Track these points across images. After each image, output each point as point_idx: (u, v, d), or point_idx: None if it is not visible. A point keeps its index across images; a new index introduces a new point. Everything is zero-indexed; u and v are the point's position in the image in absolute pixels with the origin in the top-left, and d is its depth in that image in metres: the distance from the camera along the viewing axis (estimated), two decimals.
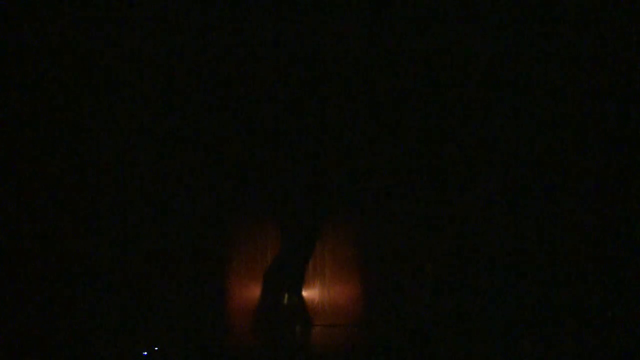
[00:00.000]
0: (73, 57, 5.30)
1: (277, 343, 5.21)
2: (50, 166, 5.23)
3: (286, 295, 5.57)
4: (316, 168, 5.68)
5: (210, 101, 5.57)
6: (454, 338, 5.03)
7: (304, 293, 5.67)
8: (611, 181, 5.09)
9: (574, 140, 5.24)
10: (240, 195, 5.66)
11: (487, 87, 5.39)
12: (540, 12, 5.26)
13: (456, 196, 5.44)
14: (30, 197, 5.14)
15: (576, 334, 4.87)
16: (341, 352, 4.88)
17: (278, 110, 5.62)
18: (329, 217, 5.67)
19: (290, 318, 5.53)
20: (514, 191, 5.32)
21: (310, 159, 5.67)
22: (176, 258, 5.47)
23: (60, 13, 5.24)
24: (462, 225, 5.42)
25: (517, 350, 4.62)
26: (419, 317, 5.39)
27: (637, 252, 4.93)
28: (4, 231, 5.06)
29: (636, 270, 4.92)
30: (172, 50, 5.44)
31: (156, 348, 4.78)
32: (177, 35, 5.44)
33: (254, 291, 5.60)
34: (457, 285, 5.36)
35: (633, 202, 5.04)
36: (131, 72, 5.42)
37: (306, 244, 5.59)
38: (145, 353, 4.67)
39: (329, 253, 5.71)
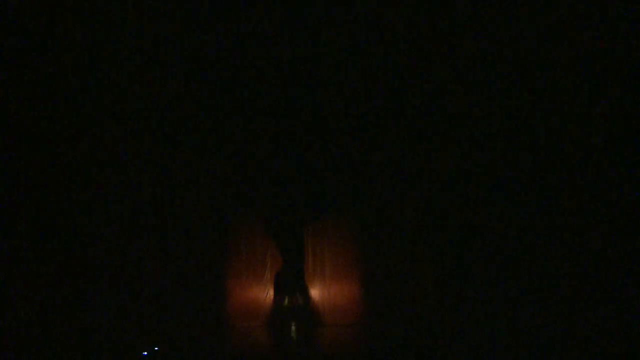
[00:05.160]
0: (74, 57, 5.32)
1: (278, 342, 5.23)
2: (51, 165, 5.25)
3: (287, 297, 5.59)
4: (316, 169, 5.69)
5: (211, 105, 5.58)
6: (455, 336, 5.04)
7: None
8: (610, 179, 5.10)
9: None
10: (240, 197, 5.68)
11: (483, 87, 5.41)
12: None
13: (456, 196, 5.45)
14: (31, 197, 5.16)
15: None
16: (341, 352, 4.88)
17: (278, 113, 5.64)
18: (328, 218, 5.69)
19: (291, 318, 5.54)
20: (514, 191, 5.32)
21: (310, 161, 5.68)
22: (176, 258, 5.49)
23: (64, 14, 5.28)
24: (463, 224, 5.42)
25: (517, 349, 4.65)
26: (419, 316, 5.40)
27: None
28: (4, 231, 5.08)
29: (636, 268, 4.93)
30: (170, 53, 5.47)
31: (156, 348, 4.79)
32: (176, 36, 5.46)
33: (254, 291, 5.60)
34: (457, 284, 5.37)
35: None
36: (133, 72, 5.44)
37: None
38: (145, 353, 4.68)
39: (329, 253, 5.72)
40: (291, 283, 5.60)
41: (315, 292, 5.72)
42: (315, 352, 5.01)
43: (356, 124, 5.59)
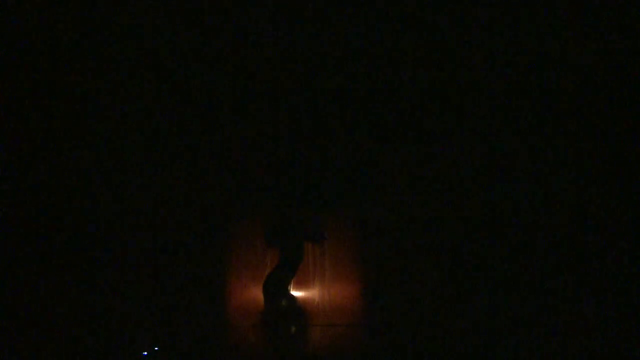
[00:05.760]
0: (71, 58, 5.31)
1: (276, 343, 5.21)
2: (50, 167, 5.24)
3: (283, 297, 5.56)
4: (317, 169, 5.68)
5: (211, 104, 5.57)
6: (455, 337, 5.03)
7: (304, 293, 5.69)
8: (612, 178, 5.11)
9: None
10: (240, 197, 5.67)
11: (487, 87, 5.41)
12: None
13: (456, 196, 5.44)
14: (32, 198, 5.15)
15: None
16: (341, 352, 4.87)
17: (278, 114, 5.63)
18: (328, 218, 5.67)
19: (288, 318, 5.51)
20: (517, 192, 5.33)
21: (310, 161, 5.68)
22: (177, 258, 5.48)
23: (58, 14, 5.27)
24: (462, 225, 5.42)
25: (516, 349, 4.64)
26: (419, 316, 5.39)
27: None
28: (5, 232, 5.07)
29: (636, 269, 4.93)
30: (170, 53, 5.45)
31: (156, 348, 4.78)
32: (175, 37, 5.45)
33: (254, 292, 5.59)
34: (457, 285, 5.36)
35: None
36: (130, 73, 5.43)
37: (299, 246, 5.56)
38: (145, 353, 4.67)
39: (329, 253, 5.71)
40: (281, 285, 5.53)
41: (314, 292, 5.72)
42: (315, 352, 5.00)
43: (358, 123, 5.59)
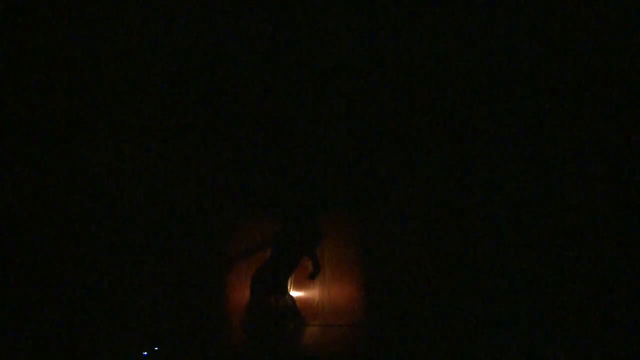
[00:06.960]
0: (72, 58, 5.32)
1: (274, 342, 5.22)
2: (51, 167, 5.25)
3: (275, 296, 5.53)
4: (316, 169, 5.69)
5: (211, 101, 5.58)
6: (455, 337, 5.04)
7: (304, 293, 5.69)
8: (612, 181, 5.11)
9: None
10: (241, 196, 5.68)
11: (490, 85, 5.42)
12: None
13: (455, 197, 5.45)
14: (32, 199, 5.16)
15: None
16: (341, 352, 4.88)
17: (278, 112, 5.64)
18: (328, 218, 5.68)
19: (284, 318, 5.50)
20: (510, 192, 5.33)
21: (310, 160, 5.68)
22: (176, 258, 5.49)
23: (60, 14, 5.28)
24: (461, 226, 5.43)
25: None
26: (419, 316, 5.40)
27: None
28: (5, 232, 5.08)
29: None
30: (170, 47, 5.46)
31: (156, 348, 4.79)
32: (175, 33, 5.46)
33: None
34: (458, 285, 5.37)
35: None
36: (130, 73, 5.44)
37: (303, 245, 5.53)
38: (145, 353, 4.68)
39: (329, 253, 5.72)
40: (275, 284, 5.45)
41: (314, 292, 5.73)
42: (315, 352, 5.00)
43: (358, 123, 5.60)
